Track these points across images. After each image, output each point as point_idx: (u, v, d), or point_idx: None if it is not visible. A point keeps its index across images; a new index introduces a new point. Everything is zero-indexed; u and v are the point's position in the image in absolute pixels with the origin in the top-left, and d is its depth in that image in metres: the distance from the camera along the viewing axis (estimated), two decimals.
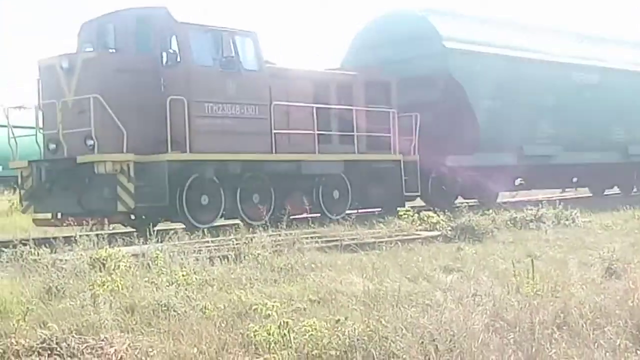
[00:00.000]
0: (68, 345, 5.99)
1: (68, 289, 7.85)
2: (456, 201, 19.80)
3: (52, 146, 14.13)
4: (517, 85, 20.17)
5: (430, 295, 7.42)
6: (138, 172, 13.55)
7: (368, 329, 5.84)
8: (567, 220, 14.67)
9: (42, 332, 6.26)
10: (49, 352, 5.94)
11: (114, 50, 14.99)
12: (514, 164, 20.53)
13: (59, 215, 14.30)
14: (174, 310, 6.99)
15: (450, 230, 12.83)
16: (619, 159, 23.55)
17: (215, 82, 14.46)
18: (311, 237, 11.64)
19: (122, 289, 7.69)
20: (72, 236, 10.66)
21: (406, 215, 14.02)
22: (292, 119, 15.91)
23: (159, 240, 10.85)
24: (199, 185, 14.33)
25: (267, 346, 5.97)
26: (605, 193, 25.52)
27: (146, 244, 10.55)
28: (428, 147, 18.24)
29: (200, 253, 9.68)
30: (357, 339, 5.70)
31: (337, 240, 11.62)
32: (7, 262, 9.34)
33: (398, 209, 15.56)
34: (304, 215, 15.34)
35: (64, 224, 13.56)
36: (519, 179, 22.23)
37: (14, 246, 9.79)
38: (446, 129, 19.04)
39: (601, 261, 9.19)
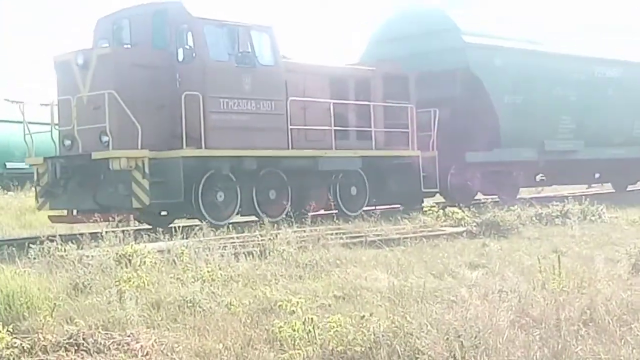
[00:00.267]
0: (95, 340, 6.14)
1: (94, 285, 8.01)
2: (476, 197, 19.90)
3: (68, 142, 14.26)
4: (538, 80, 20.24)
5: (456, 292, 7.53)
6: (153, 168, 13.64)
7: (393, 325, 5.92)
8: (593, 215, 14.78)
9: (69, 328, 6.44)
10: (76, 347, 6.09)
11: (129, 46, 15.13)
12: (535, 160, 20.61)
13: (75, 212, 14.47)
14: (200, 306, 7.13)
15: (475, 226, 12.95)
16: None
17: (231, 77, 14.56)
18: (336, 233, 11.78)
19: (147, 285, 7.83)
20: (98, 232, 10.86)
21: (431, 211, 14.18)
22: (308, 115, 16.00)
23: (184, 237, 10.99)
24: (215, 182, 14.44)
25: (292, 342, 6.08)
26: (628, 189, 25.51)
27: (171, 240, 10.72)
28: (447, 142, 18.34)
29: (225, 249, 9.80)
30: (382, 335, 5.77)
31: (361, 236, 11.75)
32: (34, 258, 9.50)
33: (422, 205, 15.64)
34: (321, 212, 15.45)
35: (83, 221, 13.71)
36: (540, 175, 22.26)
37: (41, 242, 9.96)
38: (465, 124, 19.12)
39: (628, 257, 9.24)
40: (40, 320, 6.65)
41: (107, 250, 9.31)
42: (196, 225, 12.43)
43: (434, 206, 14.79)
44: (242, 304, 7.29)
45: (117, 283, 7.71)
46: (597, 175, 24.29)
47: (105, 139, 13.60)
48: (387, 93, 17.68)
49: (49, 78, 14.97)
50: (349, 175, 16.69)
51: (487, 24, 20.32)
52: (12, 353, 6.00)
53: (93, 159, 13.59)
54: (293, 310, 6.80)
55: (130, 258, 8.98)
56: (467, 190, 19.56)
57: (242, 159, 14.74)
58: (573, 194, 19.36)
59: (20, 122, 15.22)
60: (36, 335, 6.28)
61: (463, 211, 14.02)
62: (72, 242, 10.23)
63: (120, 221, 12.97)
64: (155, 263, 9.03)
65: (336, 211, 16.05)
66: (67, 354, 6.00)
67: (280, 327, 6.26)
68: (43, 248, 9.75)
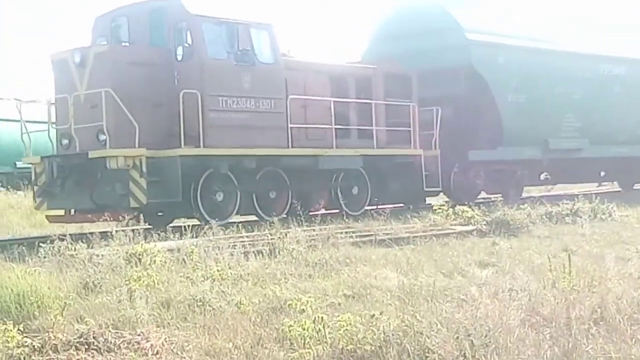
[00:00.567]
0: (105, 339, 6.30)
1: (105, 284, 8.18)
2: (479, 196, 20.06)
3: (65, 141, 14.36)
4: (542, 78, 20.36)
5: (466, 290, 7.67)
6: (150, 167, 13.72)
7: (403, 324, 6.06)
8: (603, 214, 14.96)
9: (79, 327, 6.58)
10: (86, 346, 6.24)
11: (127, 44, 15.22)
12: (539, 158, 20.76)
13: (72, 212, 14.59)
14: (209, 305, 7.29)
15: (485, 224, 13.12)
16: None
17: (230, 75, 14.65)
18: (345, 232, 11.95)
19: (157, 284, 7.98)
20: (108, 231, 10.99)
21: (440, 210, 14.35)
22: (309, 113, 16.12)
23: (194, 236, 11.15)
24: (214, 181, 14.55)
25: (302, 341, 6.22)
26: (634, 187, 25.66)
27: (181, 239, 10.87)
28: (449, 141, 18.49)
29: (235, 248, 9.97)
30: (392, 334, 5.90)
31: (371, 235, 11.92)
32: (44, 257, 9.67)
33: (431, 204, 15.72)
34: (322, 211, 15.57)
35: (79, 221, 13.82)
36: (544, 174, 22.41)
37: (52, 241, 10.14)
38: (468, 122, 19.27)
39: (638, 256, 9.45)
40: (51, 319, 6.80)
41: (117, 249, 9.47)
42: (206, 225, 12.55)
43: (444, 205, 14.96)
44: (252, 302, 7.44)
45: (127, 282, 7.85)
46: (602, 174, 24.42)
47: (102, 137, 13.69)
48: (389, 91, 17.80)
49: (49, 77, 14.98)
50: (350, 174, 16.81)
51: (490, 21, 20.41)
52: (22, 352, 6.13)
53: (90, 158, 13.66)
54: (303, 309, 6.94)
55: (140, 257, 9.13)
56: (470, 189, 19.69)
57: (241, 158, 14.84)
58: (585, 192, 19.43)
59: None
60: (47, 334, 6.42)
61: (473, 210, 14.17)
62: (82, 241, 10.43)
63: (130, 219, 13.08)
64: (165, 262, 9.19)
65: (337, 210, 16.17)
66: (77, 353, 6.13)
67: (290, 326, 6.39)
68: (53, 247, 9.93)
